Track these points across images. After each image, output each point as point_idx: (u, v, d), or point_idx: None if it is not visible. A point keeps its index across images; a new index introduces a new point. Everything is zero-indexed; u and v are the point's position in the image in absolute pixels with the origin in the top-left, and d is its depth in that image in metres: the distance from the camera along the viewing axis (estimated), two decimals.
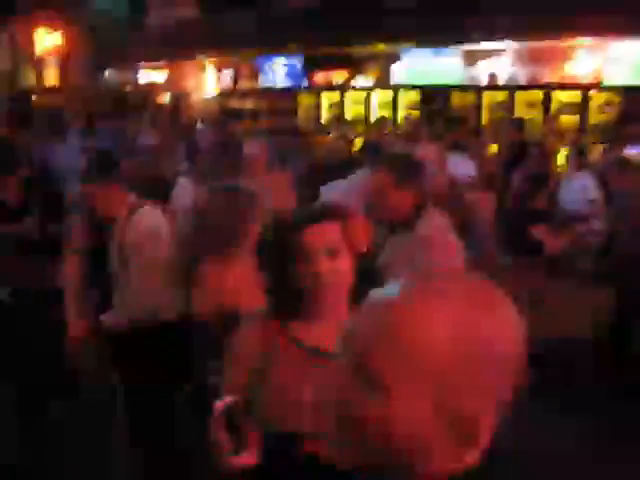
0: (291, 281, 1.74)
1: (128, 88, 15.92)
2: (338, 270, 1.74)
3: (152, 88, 15.63)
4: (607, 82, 9.49)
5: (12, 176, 4.27)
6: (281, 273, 1.76)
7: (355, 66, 12.24)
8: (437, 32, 10.19)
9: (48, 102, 14.73)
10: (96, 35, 14.65)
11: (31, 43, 15.78)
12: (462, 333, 0.88)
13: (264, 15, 12.53)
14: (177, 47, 13.74)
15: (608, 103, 9.52)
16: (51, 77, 16.15)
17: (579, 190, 6.28)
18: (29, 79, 16.06)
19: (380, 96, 11.84)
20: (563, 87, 9.84)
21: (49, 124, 8.47)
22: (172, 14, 14.40)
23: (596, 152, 8.70)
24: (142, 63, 15.59)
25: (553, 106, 9.84)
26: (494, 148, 9.24)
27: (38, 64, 16.02)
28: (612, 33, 9.09)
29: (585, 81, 9.71)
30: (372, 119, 11.16)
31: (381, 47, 11.50)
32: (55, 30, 15.58)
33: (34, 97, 15.19)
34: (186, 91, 14.93)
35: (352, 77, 12.30)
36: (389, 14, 10.71)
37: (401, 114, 11.12)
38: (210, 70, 14.75)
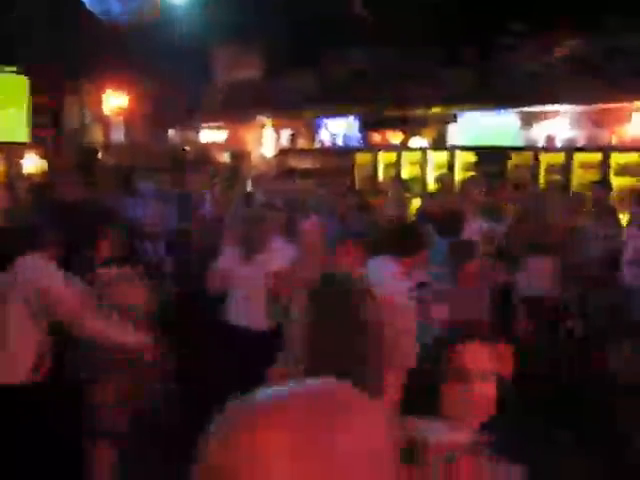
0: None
1: (188, 147, 16.44)
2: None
3: (212, 147, 16.12)
4: None
5: (104, 239, 4.45)
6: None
7: (411, 127, 12.43)
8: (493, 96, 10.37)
9: (114, 159, 15.30)
10: (160, 96, 15.26)
11: (99, 104, 16.48)
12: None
13: (324, 77, 12.91)
14: (238, 108, 14.19)
15: None
16: (117, 136, 16.80)
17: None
18: (97, 137, 16.71)
19: (436, 157, 11.99)
20: (622, 149, 9.84)
21: (118, 180, 8.83)
22: (236, 76, 14.89)
23: None
24: (203, 124, 16.11)
25: (612, 168, 9.83)
26: None
27: (105, 124, 16.69)
28: None
29: None
30: (429, 180, 11.33)
31: (436, 109, 11.70)
32: (122, 91, 16.25)
33: (100, 154, 15.79)
34: (246, 150, 15.34)
35: (408, 138, 12.48)
36: (446, 77, 10.96)
37: (459, 175, 11.19)
38: (269, 129, 15.15)
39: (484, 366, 1.72)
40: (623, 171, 9.80)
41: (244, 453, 0.81)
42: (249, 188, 11.41)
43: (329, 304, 1.95)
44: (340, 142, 13.52)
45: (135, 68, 15.52)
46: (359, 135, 13.12)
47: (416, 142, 12.36)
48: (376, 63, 12.22)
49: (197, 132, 16.54)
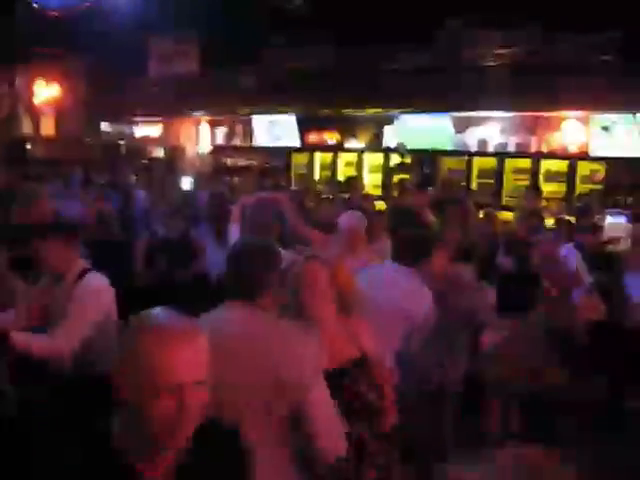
0: None
1: (122, 141, 16.12)
2: None
3: (147, 141, 15.84)
4: (593, 153, 9.73)
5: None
6: None
7: (347, 128, 12.45)
8: (429, 99, 10.50)
9: (44, 151, 14.90)
10: (94, 88, 14.92)
11: (29, 93, 16.01)
12: None
13: (261, 75, 12.83)
14: (174, 102, 13.97)
15: (594, 173, 9.77)
16: (47, 127, 16.34)
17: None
18: (26, 128, 16.24)
19: (371, 158, 12.05)
20: (551, 156, 10.07)
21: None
22: (172, 69, 14.66)
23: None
24: (137, 117, 15.81)
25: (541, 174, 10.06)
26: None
27: (35, 114, 16.22)
28: (597, 108, 9.42)
29: (572, 151, 9.95)
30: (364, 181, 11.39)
31: (373, 111, 11.76)
32: (53, 81, 15.82)
33: (29, 146, 15.36)
34: (181, 145, 15.12)
35: (344, 138, 12.50)
36: (383, 80, 11.04)
37: (393, 178, 11.28)
38: (204, 126, 14.95)
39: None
40: (552, 178, 10.05)
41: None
42: (184, 184, 11.28)
43: None
44: (276, 141, 13.42)
45: (68, 59, 15.16)
46: (296, 134, 13.05)
47: (352, 143, 12.39)
48: (315, 61, 12.21)
49: (131, 126, 16.21)
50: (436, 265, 3.89)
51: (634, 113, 9.23)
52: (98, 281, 3.61)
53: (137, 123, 16.10)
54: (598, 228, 6.77)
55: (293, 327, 2.48)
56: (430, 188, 8.31)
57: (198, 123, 15.00)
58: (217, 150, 14.59)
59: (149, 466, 1.46)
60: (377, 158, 11.95)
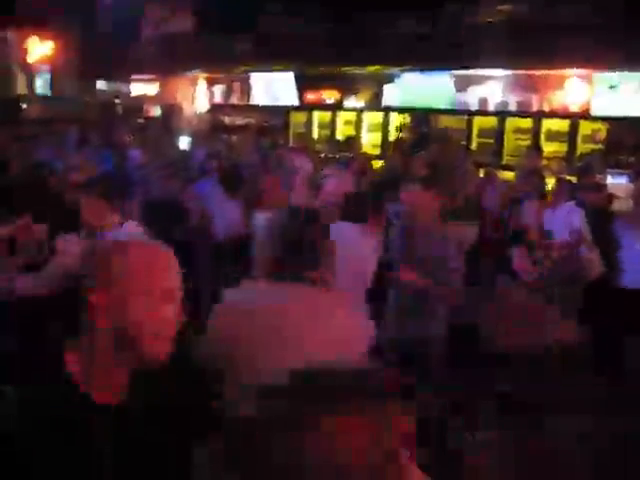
0: None
1: (118, 100, 15.94)
2: None
3: (143, 100, 15.65)
4: (595, 112, 9.60)
5: None
6: None
7: (347, 86, 12.29)
8: (430, 57, 10.31)
9: (39, 111, 14.72)
10: (89, 46, 14.67)
11: (23, 51, 15.76)
12: None
13: (258, 32, 12.62)
14: (170, 61, 13.77)
15: (596, 132, 9.65)
16: (42, 86, 16.12)
17: (564, 219, 6.31)
18: (20, 87, 16.02)
19: (370, 118, 11.91)
20: (552, 115, 9.94)
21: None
22: (168, 28, 14.44)
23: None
24: (134, 76, 15.59)
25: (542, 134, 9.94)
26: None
27: (29, 72, 15.99)
28: (600, 66, 9.25)
29: (574, 110, 9.81)
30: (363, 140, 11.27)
31: (373, 69, 11.59)
32: (48, 39, 15.57)
33: (24, 105, 15.16)
34: (178, 104, 14.94)
35: (343, 97, 12.35)
36: (383, 38, 10.84)
37: (392, 136, 11.17)
38: (201, 84, 14.77)
39: None
40: (554, 137, 9.92)
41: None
42: (181, 143, 11.18)
43: None
44: (275, 100, 13.26)
45: (63, 15, 14.90)
46: (294, 93, 12.88)
47: (351, 102, 12.24)
48: (313, 21, 11.99)
49: (127, 84, 15.99)
50: None
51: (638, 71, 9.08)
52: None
53: (133, 81, 15.89)
54: (602, 186, 6.70)
55: (347, 301, 2.41)
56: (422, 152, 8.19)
57: (195, 81, 14.81)
58: (214, 109, 14.42)
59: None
60: (376, 117, 11.81)
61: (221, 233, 5.84)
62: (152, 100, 15.55)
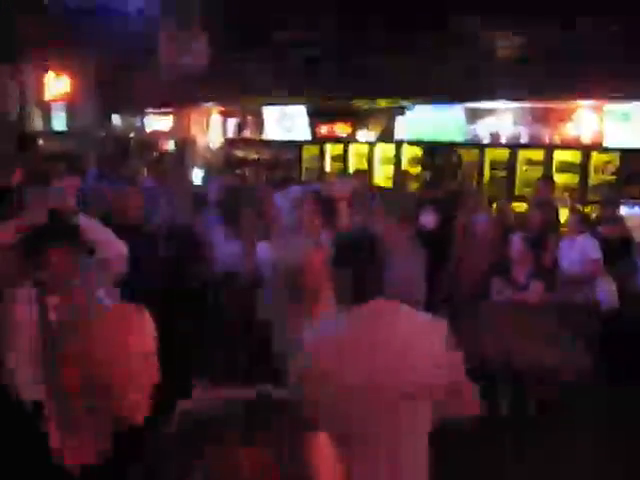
0: None
1: (132, 134, 16.09)
2: None
3: (157, 134, 15.80)
4: (607, 143, 9.61)
5: None
6: None
7: (359, 119, 12.37)
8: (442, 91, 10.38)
9: (54, 147, 14.87)
10: (104, 81, 14.86)
11: (40, 87, 15.96)
12: None
13: (273, 66, 12.74)
14: (185, 94, 13.91)
15: (608, 164, 9.66)
16: (58, 122, 16.30)
17: (580, 251, 6.31)
18: (37, 124, 16.21)
19: (382, 150, 11.98)
20: (564, 147, 9.97)
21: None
22: (182, 61, 14.58)
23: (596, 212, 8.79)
24: (148, 109, 15.77)
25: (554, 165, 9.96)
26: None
27: (45, 108, 16.19)
28: (612, 97, 9.28)
29: (586, 141, 9.84)
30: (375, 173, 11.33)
31: (384, 103, 11.67)
32: (63, 75, 15.76)
33: (41, 141, 15.32)
34: (191, 137, 15.08)
35: (355, 130, 12.43)
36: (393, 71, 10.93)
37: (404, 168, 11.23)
38: (215, 118, 14.91)
39: None
40: (566, 169, 9.95)
41: None
42: (195, 177, 11.27)
43: None
44: (287, 134, 13.35)
45: (78, 51, 15.11)
46: (306, 126, 12.97)
47: (363, 135, 12.32)
48: (328, 53, 12.09)
49: (142, 119, 16.16)
50: None
51: None
52: None
53: (147, 115, 16.06)
54: (619, 218, 6.72)
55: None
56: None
57: (209, 115, 14.95)
58: (228, 143, 14.55)
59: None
60: (389, 150, 11.88)
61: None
62: (166, 134, 15.70)
